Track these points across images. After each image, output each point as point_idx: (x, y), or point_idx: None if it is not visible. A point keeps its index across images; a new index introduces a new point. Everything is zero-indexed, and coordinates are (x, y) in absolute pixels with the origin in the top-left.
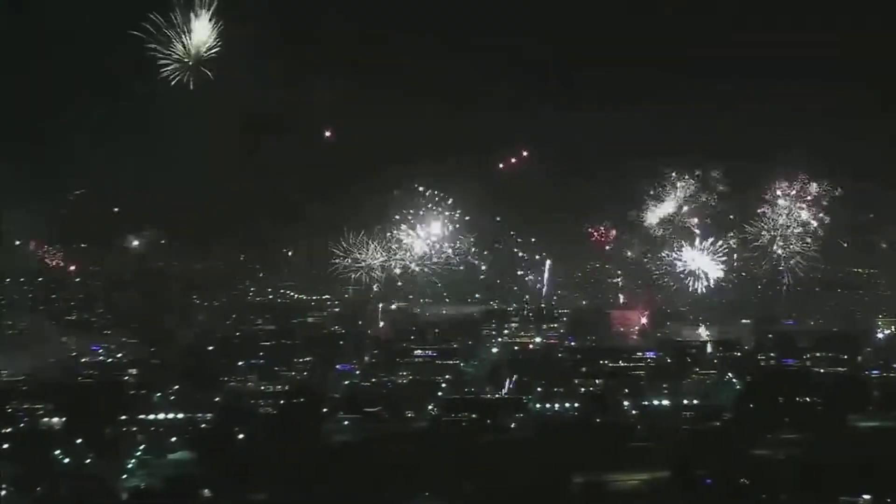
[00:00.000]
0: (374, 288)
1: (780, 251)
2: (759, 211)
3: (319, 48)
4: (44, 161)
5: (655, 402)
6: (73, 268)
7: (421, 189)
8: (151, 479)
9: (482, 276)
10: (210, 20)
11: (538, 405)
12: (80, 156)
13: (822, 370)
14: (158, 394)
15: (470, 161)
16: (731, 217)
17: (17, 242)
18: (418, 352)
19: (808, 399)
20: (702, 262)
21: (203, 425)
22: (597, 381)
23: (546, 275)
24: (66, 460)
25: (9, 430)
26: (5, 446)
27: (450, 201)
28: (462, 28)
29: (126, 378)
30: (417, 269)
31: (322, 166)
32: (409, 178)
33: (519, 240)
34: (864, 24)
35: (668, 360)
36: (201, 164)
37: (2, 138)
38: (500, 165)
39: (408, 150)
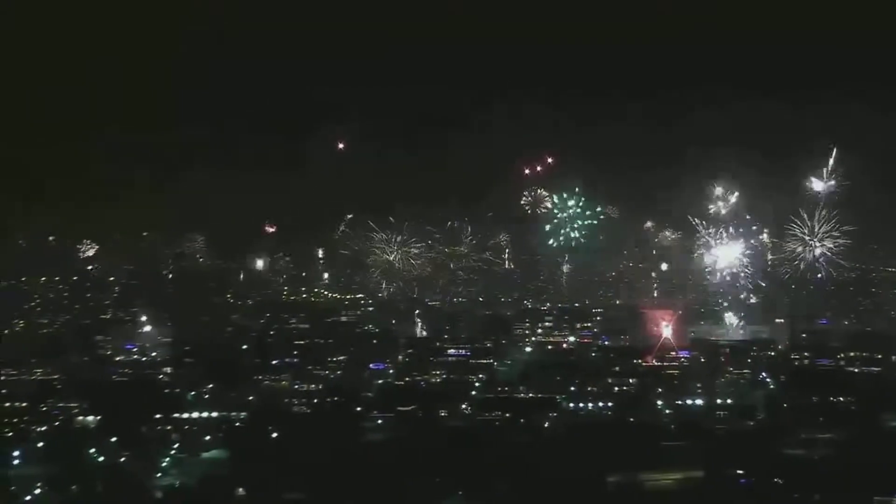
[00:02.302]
0: (408, 287)
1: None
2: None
3: None
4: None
5: (689, 402)
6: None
7: None
8: (186, 478)
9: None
10: None
11: (571, 404)
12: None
13: (856, 370)
14: (193, 392)
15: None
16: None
17: (51, 238)
18: (452, 351)
19: (841, 399)
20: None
21: (237, 424)
22: (630, 381)
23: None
24: (101, 458)
25: (44, 428)
26: (41, 444)
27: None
28: None
29: (160, 377)
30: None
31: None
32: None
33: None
34: None
35: (702, 360)
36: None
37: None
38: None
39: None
